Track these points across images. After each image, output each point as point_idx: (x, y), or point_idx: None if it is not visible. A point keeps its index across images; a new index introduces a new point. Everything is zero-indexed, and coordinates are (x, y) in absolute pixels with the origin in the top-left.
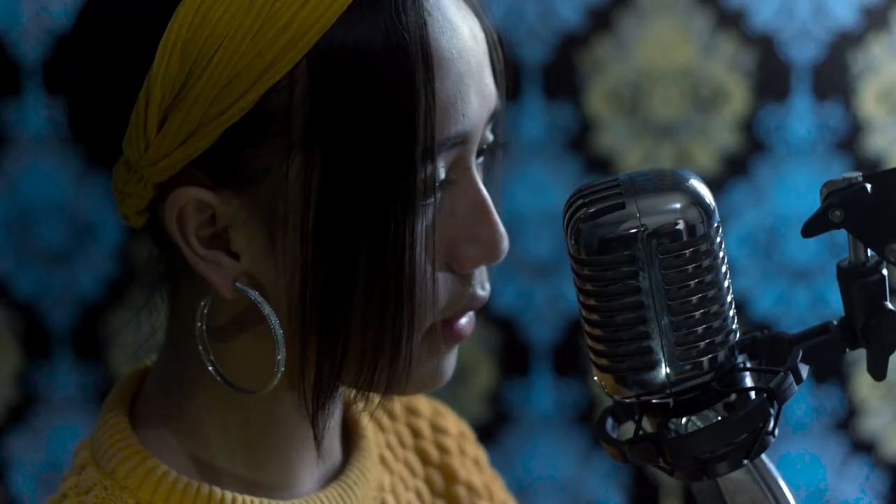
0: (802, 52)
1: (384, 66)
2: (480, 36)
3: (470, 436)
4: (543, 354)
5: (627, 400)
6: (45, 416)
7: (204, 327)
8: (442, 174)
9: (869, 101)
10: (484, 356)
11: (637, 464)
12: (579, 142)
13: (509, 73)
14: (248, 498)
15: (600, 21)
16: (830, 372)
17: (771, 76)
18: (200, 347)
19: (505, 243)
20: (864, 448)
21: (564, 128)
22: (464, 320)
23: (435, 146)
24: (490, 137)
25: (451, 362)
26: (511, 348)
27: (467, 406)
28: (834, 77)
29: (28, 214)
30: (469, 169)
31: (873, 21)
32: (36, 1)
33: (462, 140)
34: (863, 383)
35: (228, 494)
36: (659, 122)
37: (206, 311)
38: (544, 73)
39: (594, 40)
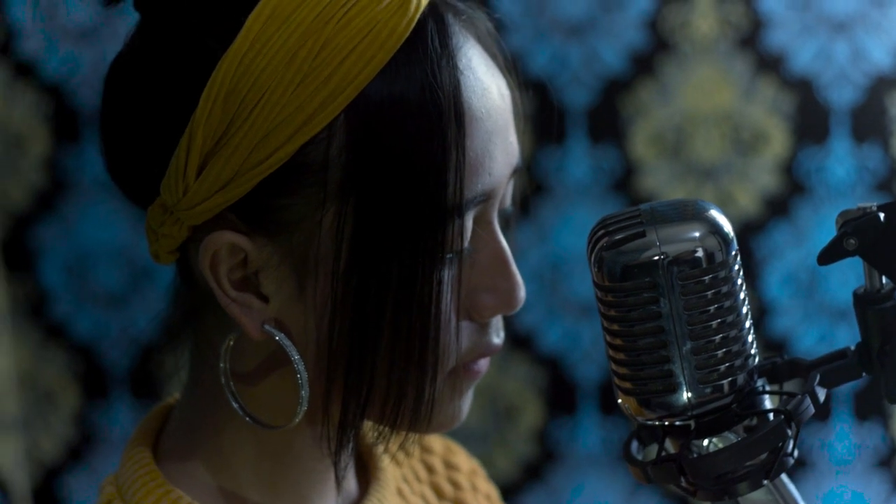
0: (841, 95)
1: (419, 122)
2: (507, 94)
3: (481, 472)
4: (590, 393)
5: (650, 422)
6: (103, 456)
7: (227, 366)
8: (469, 229)
9: None
10: (531, 395)
11: (660, 483)
12: (623, 184)
13: (555, 118)
14: None
15: (643, 66)
16: (873, 410)
17: (810, 119)
18: (224, 384)
19: (522, 294)
20: None
21: (609, 170)
22: (482, 361)
23: (464, 203)
24: (510, 195)
25: (468, 402)
26: (558, 387)
27: (515, 444)
28: (872, 120)
29: (87, 258)
30: (491, 223)
31: None
32: (94, 49)
33: (487, 197)
34: None
35: None
36: (701, 165)
37: (230, 349)
38: (588, 118)
39: (637, 85)
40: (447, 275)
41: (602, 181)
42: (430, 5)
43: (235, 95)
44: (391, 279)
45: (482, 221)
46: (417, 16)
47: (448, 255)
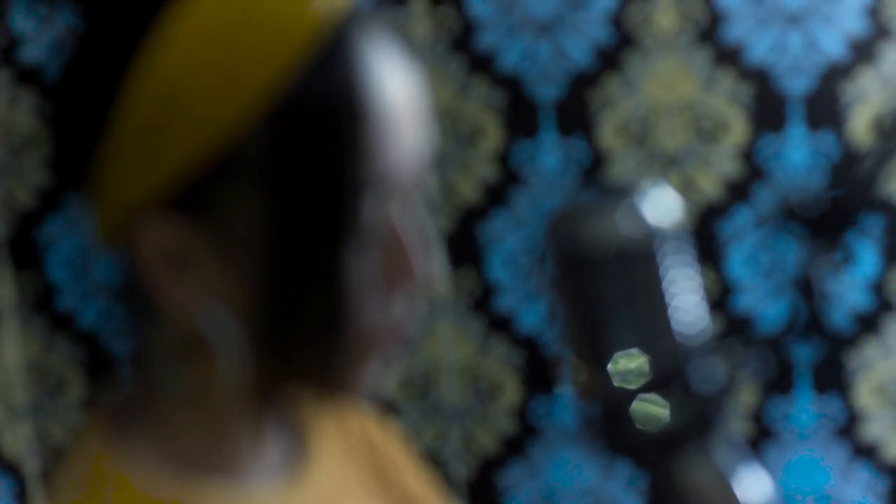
0: (796, 84)
1: (320, 118)
2: (411, 86)
3: (392, 432)
4: (567, 371)
5: (595, 395)
6: None
7: (163, 346)
8: (373, 212)
9: (859, 129)
10: (511, 374)
11: (603, 453)
12: (592, 173)
13: (526, 112)
14: (216, 484)
15: (608, 61)
16: (832, 382)
17: (767, 108)
18: (157, 361)
19: (421, 271)
20: (865, 452)
21: (578, 161)
22: (393, 334)
23: (365, 189)
24: (417, 177)
25: (386, 372)
26: (536, 366)
27: (497, 421)
28: (826, 107)
29: (90, 252)
30: (395, 206)
31: (861, 54)
32: None
33: (391, 182)
34: (863, 391)
35: (197, 484)
36: (665, 153)
37: (162, 330)
38: (558, 111)
39: (603, 78)
40: (354, 255)
41: (572, 170)
42: (337, 18)
43: (157, 99)
44: (305, 259)
45: (388, 205)
46: (320, 28)
47: (353, 237)
